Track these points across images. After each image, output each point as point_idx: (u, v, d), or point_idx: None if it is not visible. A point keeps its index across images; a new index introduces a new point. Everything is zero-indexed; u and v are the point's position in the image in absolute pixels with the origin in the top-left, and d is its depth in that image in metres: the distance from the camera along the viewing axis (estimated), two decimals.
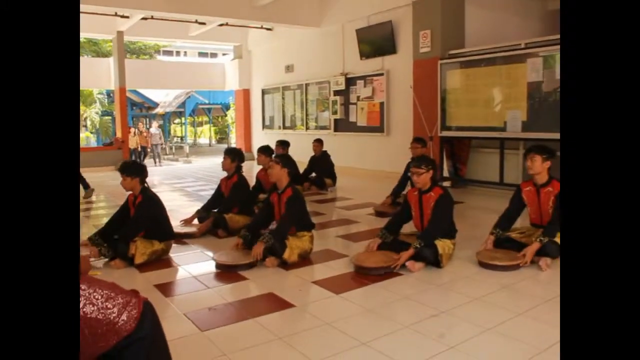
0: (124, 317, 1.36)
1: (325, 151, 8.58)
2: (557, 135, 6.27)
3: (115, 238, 4.18)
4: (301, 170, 8.25)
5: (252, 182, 6.95)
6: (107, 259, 4.18)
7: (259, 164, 6.56)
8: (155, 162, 16.00)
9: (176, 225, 5.31)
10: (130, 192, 4.39)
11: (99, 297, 1.34)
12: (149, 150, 16.79)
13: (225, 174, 5.63)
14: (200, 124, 31.80)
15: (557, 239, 3.85)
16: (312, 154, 8.74)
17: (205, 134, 30.90)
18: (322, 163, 8.52)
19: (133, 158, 15.06)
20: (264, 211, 4.46)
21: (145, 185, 4.36)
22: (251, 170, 11.02)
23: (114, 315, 1.34)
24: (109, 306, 1.34)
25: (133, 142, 15.61)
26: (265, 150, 6.51)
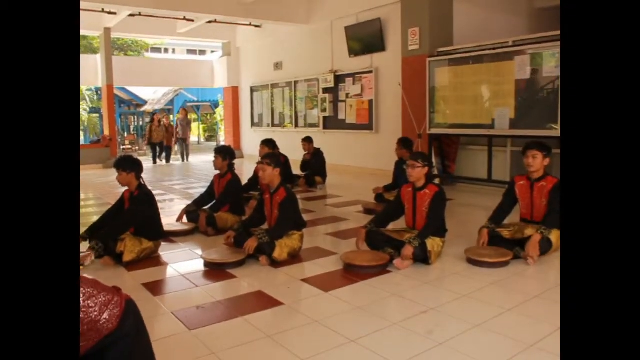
0: (105, 315, 1.34)
1: (318, 149, 8.56)
2: (544, 133, 6.32)
3: (101, 232, 4.14)
4: (294, 168, 8.27)
5: (246, 178, 6.97)
6: (96, 257, 4.13)
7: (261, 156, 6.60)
8: (183, 159, 14.57)
9: (172, 223, 5.29)
10: (126, 189, 4.36)
11: (81, 296, 1.32)
12: (173, 146, 14.55)
13: (217, 172, 5.63)
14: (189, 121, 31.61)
15: (550, 235, 3.88)
16: (301, 151, 8.73)
17: (194, 132, 30.73)
18: (315, 160, 8.50)
19: (157, 153, 13.93)
20: (259, 210, 4.44)
21: (142, 181, 4.33)
22: (240, 168, 10.98)
23: (95, 313, 1.32)
24: (90, 304, 1.32)
25: (159, 135, 13.83)
26: (268, 142, 6.94)
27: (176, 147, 14.82)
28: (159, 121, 13.97)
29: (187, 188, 8.76)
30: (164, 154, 14.15)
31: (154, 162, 13.81)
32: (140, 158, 4.49)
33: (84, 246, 4.19)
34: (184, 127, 14.65)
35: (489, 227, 4.14)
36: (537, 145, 4.14)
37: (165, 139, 13.95)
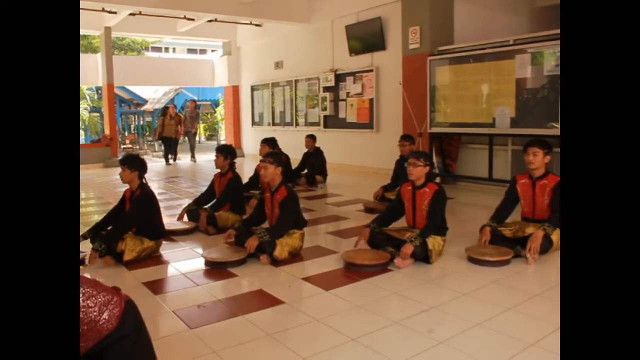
0: (105, 315, 1.34)
1: (319, 147, 8.58)
2: (545, 131, 6.32)
3: (103, 233, 4.15)
4: (295, 164, 8.29)
5: (246, 177, 6.95)
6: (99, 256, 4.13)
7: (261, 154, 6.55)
8: (192, 155, 13.82)
9: (172, 222, 5.31)
10: (127, 188, 4.37)
11: (80, 296, 1.32)
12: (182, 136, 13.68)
13: (217, 171, 5.64)
14: None
15: (552, 234, 3.88)
16: (301, 150, 8.74)
17: None
18: (315, 159, 8.52)
19: (165, 149, 13.21)
20: (260, 208, 4.45)
21: (144, 181, 4.34)
22: (241, 166, 10.98)
23: (95, 314, 1.32)
24: (90, 304, 1.32)
25: (171, 129, 12.98)
26: (268, 141, 6.93)
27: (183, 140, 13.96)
28: (170, 115, 13.20)
29: (190, 187, 8.75)
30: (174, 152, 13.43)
31: (167, 161, 13.08)
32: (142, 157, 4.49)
33: (85, 246, 4.19)
34: (192, 118, 14.04)
35: (491, 225, 4.14)
36: (538, 143, 4.14)
37: (175, 133, 13.23)
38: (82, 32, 15.73)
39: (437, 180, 5.57)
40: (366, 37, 9.93)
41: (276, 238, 4.02)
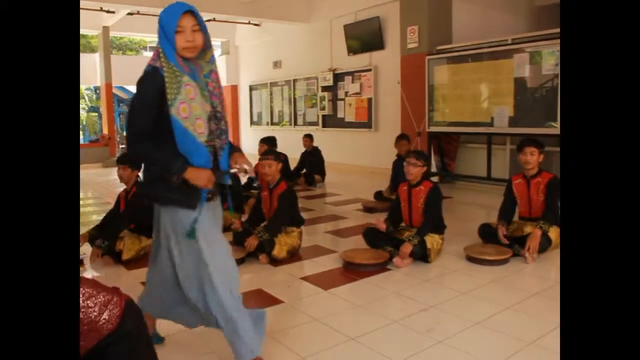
0: (105, 315, 1.34)
1: (317, 147, 8.59)
2: (544, 130, 6.33)
3: (103, 231, 4.14)
4: (292, 166, 8.30)
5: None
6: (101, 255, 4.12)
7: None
8: None
9: None
10: (122, 189, 4.36)
11: (80, 296, 1.32)
12: None
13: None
14: None
15: (549, 232, 3.90)
16: (300, 149, 8.74)
17: None
18: (313, 159, 8.52)
19: None
20: (257, 209, 4.45)
21: (138, 179, 4.32)
22: None
23: (95, 314, 1.32)
24: (89, 305, 1.32)
25: None
26: (268, 140, 7.05)
27: None
28: None
29: None
30: None
31: None
32: None
33: (84, 248, 4.18)
34: None
35: (502, 223, 4.15)
36: (534, 142, 4.16)
37: None
38: (80, 31, 15.64)
39: (436, 179, 5.56)
40: (365, 37, 9.94)
41: (275, 233, 4.02)
